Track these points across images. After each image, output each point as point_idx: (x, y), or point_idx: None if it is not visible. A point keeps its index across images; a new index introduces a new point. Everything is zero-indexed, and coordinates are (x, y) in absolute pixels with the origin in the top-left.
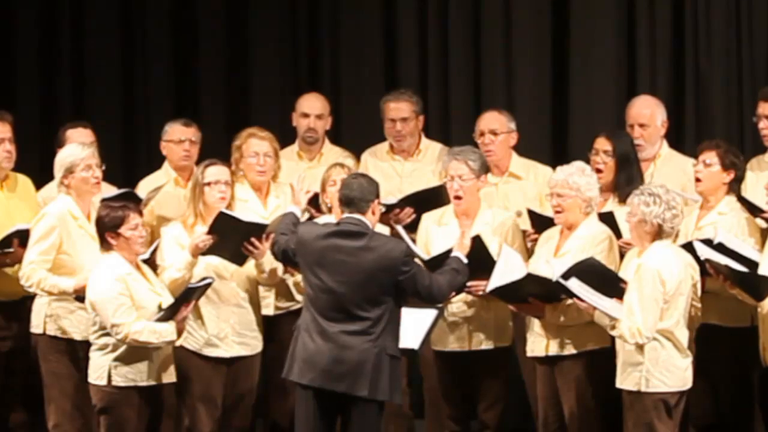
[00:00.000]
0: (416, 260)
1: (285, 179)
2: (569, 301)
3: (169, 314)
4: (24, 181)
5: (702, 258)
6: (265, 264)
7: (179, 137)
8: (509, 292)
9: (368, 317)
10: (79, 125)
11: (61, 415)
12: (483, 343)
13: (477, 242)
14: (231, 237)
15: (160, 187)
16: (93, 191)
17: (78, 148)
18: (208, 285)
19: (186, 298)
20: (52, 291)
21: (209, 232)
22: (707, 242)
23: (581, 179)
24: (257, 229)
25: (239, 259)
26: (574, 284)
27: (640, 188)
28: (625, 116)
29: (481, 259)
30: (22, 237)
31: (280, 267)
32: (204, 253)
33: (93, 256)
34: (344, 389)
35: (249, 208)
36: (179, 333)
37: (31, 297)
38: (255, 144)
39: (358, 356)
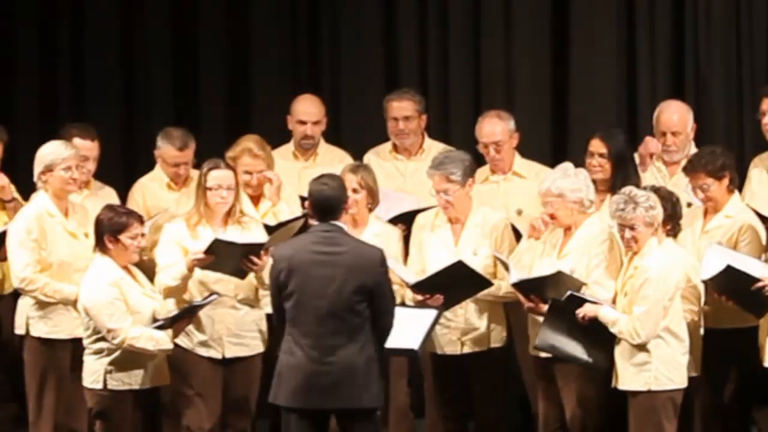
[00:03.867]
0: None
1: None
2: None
3: (168, 324)
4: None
5: (702, 279)
6: (266, 276)
7: (173, 161)
8: (533, 286)
9: (351, 326)
10: (88, 137)
11: (41, 416)
12: (476, 345)
13: (461, 267)
14: (228, 257)
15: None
16: (70, 190)
17: (61, 147)
18: (212, 301)
19: (189, 312)
20: (54, 296)
21: (206, 253)
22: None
23: (564, 182)
24: (254, 248)
25: (240, 274)
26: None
27: (628, 198)
28: (654, 122)
29: (468, 279)
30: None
31: None
32: (203, 268)
33: (71, 251)
34: (338, 405)
35: None
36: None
37: (6, 295)
38: (248, 163)
39: (347, 368)
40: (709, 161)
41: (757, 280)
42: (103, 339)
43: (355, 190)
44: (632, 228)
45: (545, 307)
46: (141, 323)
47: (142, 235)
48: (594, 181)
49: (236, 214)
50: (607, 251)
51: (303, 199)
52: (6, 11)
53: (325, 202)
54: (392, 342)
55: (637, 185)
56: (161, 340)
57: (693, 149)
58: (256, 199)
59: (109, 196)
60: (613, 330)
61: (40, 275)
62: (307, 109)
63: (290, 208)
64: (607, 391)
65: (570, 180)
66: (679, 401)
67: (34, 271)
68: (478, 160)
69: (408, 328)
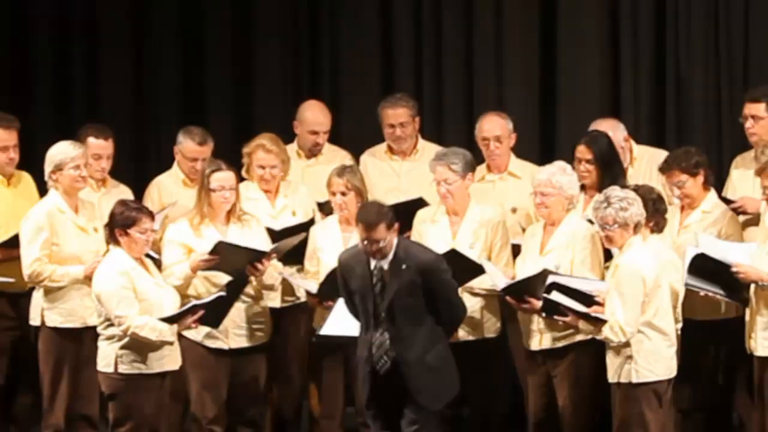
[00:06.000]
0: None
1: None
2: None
3: (174, 319)
4: (26, 179)
5: (685, 282)
6: (267, 279)
7: (192, 156)
8: (521, 288)
9: None
10: (101, 136)
11: (55, 404)
12: (469, 334)
13: (454, 255)
14: (232, 259)
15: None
16: (80, 188)
17: (69, 147)
18: (220, 298)
19: (192, 310)
20: (63, 280)
21: (211, 254)
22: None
23: (563, 178)
24: (258, 255)
25: (242, 277)
26: (559, 296)
27: (605, 197)
28: None
29: (463, 267)
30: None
31: (277, 283)
32: (207, 270)
33: (82, 246)
34: None
35: (258, 207)
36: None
37: (28, 291)
38: (262, 158)
39: None
40: (683, 159)
41: (729, 266)
42: (114, 325)
43: (343, 193)
44: (603, 227)
45: (539, 304)
46: (150, 311)
47: (153, 229)
48: (583, 186)
49: (237, 212)
50: (590, 247)
51: (320, 205)
52: (20, 14)
53: None
54: None
55: (623, 185)
56: (163, 332)
57: (635, 149)
58: (272, 194)
59: (124, 194)
60: (598, 337)
61: (46, 265)
62: (318, 120)
63: (303, 209)
64: (599, 382)
65: (568, 177)
66: (663, 392)
67: (41, 264)
68: (475, 160)
69: None
